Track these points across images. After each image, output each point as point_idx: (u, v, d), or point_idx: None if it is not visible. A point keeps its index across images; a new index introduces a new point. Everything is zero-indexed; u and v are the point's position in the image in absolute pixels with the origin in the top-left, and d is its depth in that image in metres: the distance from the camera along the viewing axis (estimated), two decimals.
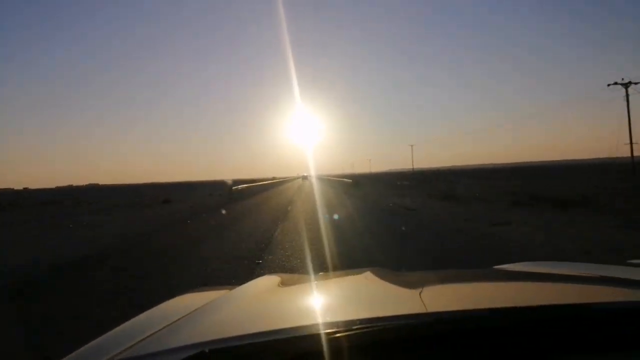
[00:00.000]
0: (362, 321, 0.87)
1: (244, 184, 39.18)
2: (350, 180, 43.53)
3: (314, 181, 64.39)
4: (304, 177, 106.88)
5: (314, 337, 0.83)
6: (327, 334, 0.83)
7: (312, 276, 1.95)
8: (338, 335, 0.82)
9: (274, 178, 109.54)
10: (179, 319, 1.13)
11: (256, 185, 46.96)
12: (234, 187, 31.30)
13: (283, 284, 1.64)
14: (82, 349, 0.99)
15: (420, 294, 1.22)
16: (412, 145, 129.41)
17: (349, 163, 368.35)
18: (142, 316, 1.27)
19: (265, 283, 1.64)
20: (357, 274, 1.69)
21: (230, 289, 1.52)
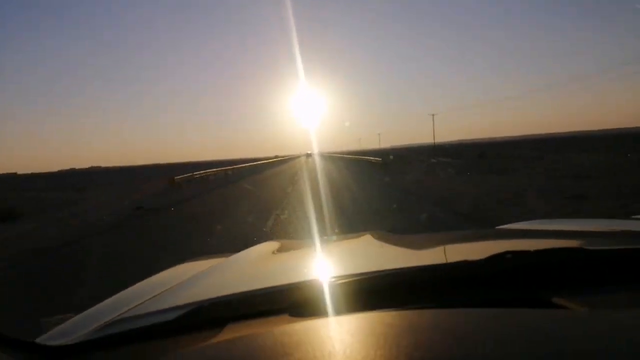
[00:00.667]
0: (352, 275, 0.90)
1: (209, 169, 28.54)
2: (379, 159, 28.45)
3: (317, 160, 53.23)
4: (308, 155, 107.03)
5: (310, 286, 0.87)
6: (313, 286, 0.87)
7: (312, 240, 2.00)
8: (322, 286, 0.85)
9: (276, 157, 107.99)
10: (177, 284, 1.15)
11: (241, 167, 38.95)
12: (176, 178, 20.87)
13: (282, 249, 1.66)
14: (82, 313, 1.02)
15: (417, 252, 1.28)
16: (433, 115, 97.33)
17: (356, 139, 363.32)
18: (141, 284, 1.29)
19: (264, 248, 1.65)
20: (356, 237, 1.73)
21: (229, 256, 1.52)
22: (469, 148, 68.84)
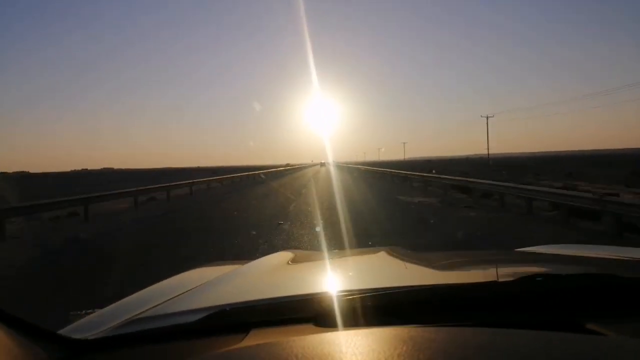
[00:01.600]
0: (368, 290, 0.91)
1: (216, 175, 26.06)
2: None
3: (332, 172, 44.36)
4: (322, 164, 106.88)
5: (336, 297, 0.87)
6: (339, 297, 0.86)
7: (328, 253, 2.05)
8: (349, 298, 0.86)
9: (287, 165, 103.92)
10: (197, 287, 1.16)
11: (236, 177, 29.91)
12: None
13: (299, 259, 1.66)
14: (105, 309, 1.04)
15: (441, 270, 1.25)
16: (487, 117, 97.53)
17: (361, 152, 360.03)
18: (159, 285, 1.29)
19: (279, 258, 1.65)
20: (374, 251, 1.71)
21: (244, 263, 1.53)
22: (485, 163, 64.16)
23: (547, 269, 1.29)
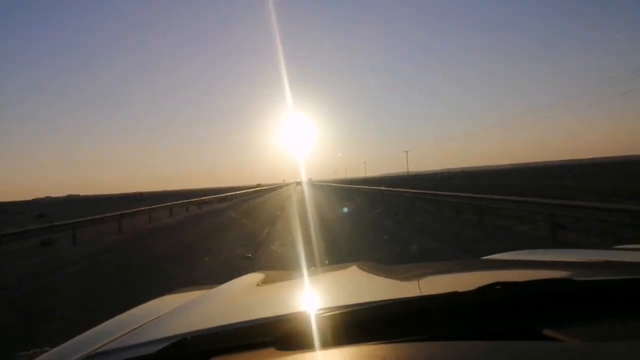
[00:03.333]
0: (340, 307, 0.89)
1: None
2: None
3: (306, 192, 41.47)
4: (297, 183, 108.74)
5: (297, 319, 0.86)
6: (301, 318, 0.86)
7: (298, 272, 1.91)
8: (311, 318, 0.84)
9: (258, 185, 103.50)
10: (160, 315, 1.13)
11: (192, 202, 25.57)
12: None
13: (268, 280, 1.63)
14: (63, 344, 1.00)
15: (405, 283, 1.27)
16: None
17: (342, 168, 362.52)
18: (123, 315, 1.26)
19: (249, 280, 1.63)
20: (343, 268, 1.70)
21: (212, 288, 1.49)
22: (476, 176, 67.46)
23: (509, 276, 1.31)
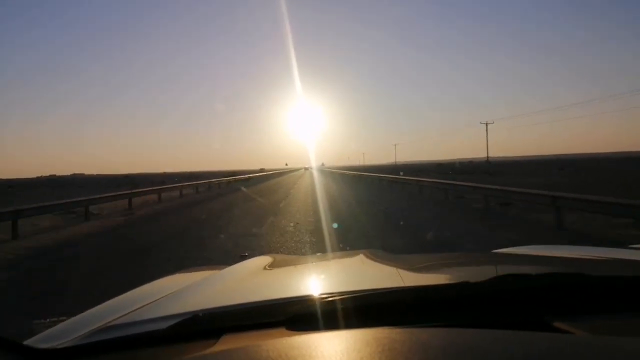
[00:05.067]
0: (350, 292, 0.91)
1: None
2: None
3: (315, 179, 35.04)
4: (306, 169, 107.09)
5: (308, 301, 0.89)
6: (312, 300, 0.88)
7: (306, 257, 2.05)
8: (321, 301, 0.86)
9: (261, 170, 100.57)
10: (171, 292, 1.15)
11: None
12: None
13: (277, 263, 1.66)
14: (74, 317, 1.02)
15: (415, 272, 1.27)
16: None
17: (345, 156, 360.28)
18: (134, 291, 1.28)
19: (259, 262, 1.65)
20: (352, 254, 1.74)
21: (221, 269, 1.52)
22: (470, 166, 65.90)
23: (519, 268, 1.32)
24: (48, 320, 0.98)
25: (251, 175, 47.52)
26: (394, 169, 67.92)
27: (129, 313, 0.97)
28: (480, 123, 73.58)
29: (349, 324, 0.81)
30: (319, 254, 3.60)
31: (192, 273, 1.55)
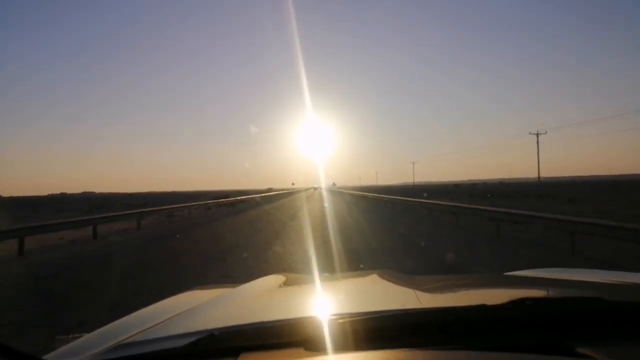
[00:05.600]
0: (358, 314, 0.91)
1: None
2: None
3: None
4: (315, 189, 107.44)
5: (319, 323, 0.88)
6: (330, 320, 0.88)
7: (319, 276, 1.98)
8: (339, 321, 0.87)
9: (269, 190, 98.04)
10: (187, 310, 1.16)
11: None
12: None
13: (290, 282, 1.67)
14: (91, 333, 1.04)
15: (430, 293, 1.26)
16: (413, 163, 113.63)
17: (356, 176, 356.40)
18: (150, 308, 1.30)
19: (270, 281, 1.66)
20: (364, 275, 1.75)
21: (235, 287, 1.54)
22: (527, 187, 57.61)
23: (536, 292, 1.31)
24: (70, 336, 1.00)
25: (254, 195, 40.09)
26: (413, 189, 61.01)
27: (145, 330, 0.98)
28: (530, 133, 56.07)
29: (366, 346, 0.81)
30: (329, 274, 3.26)
31: (206, 291, 1.57)
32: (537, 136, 55.07)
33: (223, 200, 30.42)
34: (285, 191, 73.82)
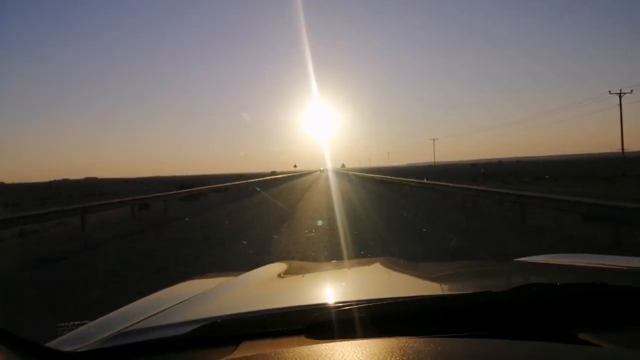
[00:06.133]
0: (360, 302, 0.89)
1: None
2: None
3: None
4: (321, 171, 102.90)
5: (328, 309, 0.88)
6: (331, 308, 0.88)
7: (321, 264, 2.03)
8: (340, 309, 0.86)
9: (273, 173, 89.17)
10: (189, 298, 1.15)
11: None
12: None
13: (292, 270, 1.64)
14: (95, 321, 1.03)
15: (434, 280, 1.23)
16: (434, 140, 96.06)
17: (366, 157, 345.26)
18: (151, 297, 1.29)
19: (274, 269, 1.63)
20: (369, 262, 1.72)
21: (237, 275, 1.51)
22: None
23: (543, 278, 1.28)
24: (72, 323, 0.99)
25: (249, 180, 33.21)
26: (436, 172, 55.23)
27: (147, 318, 0.98)
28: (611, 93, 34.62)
29: (368, 333, 0.80)
30: (334, 261, 3.49)
31: (208, 279, 1.54)
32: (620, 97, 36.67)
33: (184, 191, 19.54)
34: (286, 175, 65.20)
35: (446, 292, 1.03)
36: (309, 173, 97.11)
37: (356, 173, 59.86)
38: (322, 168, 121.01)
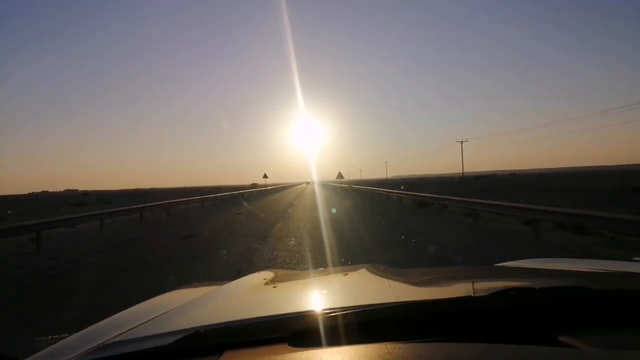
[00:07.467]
0: (343, 308, 0.91)
1: None
2: None
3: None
4: (307, 183, 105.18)
5: (310, 316, 0.88)
6: (314, 316, 0.88)
7: (307, 272, 1.96)
8: (323, 316, 0.87)
9: (254, 185, 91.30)
10: (173, 309, 1.16)
11: None
12: None
13: (279, 278, 1.65)
14: (74, 335, 1.03)
15: (417, 286, 1.27)
16: (462, 142, 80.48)
17: (345, 171, 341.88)
18: (135, 307, 1.29)
19: (260, 277, 1.64)
20: (354, 269, 1.71)
21: (223, 284, 1.53)
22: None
23: (522, 282, 1.31)
24: (50, 337, 0.98)
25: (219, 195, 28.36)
26: (390, 182, 62.94)
27: (130, 330, 0.97)
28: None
29: (352, 340, 0.81)
30: (320, 268, 3.49)
31: (193, 289, 1.54)
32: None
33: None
34: (266, 188, 60.84)
35: (428, 298, 1.05)
36: (291, 186, 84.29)
37: (356, 186, 50.99)
38: (308, 180, 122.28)
